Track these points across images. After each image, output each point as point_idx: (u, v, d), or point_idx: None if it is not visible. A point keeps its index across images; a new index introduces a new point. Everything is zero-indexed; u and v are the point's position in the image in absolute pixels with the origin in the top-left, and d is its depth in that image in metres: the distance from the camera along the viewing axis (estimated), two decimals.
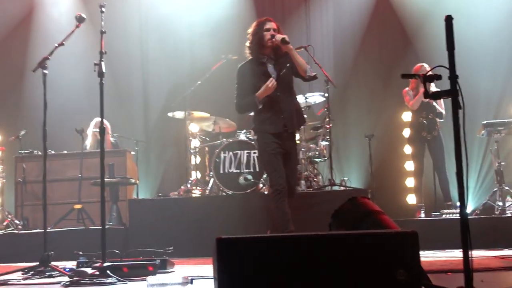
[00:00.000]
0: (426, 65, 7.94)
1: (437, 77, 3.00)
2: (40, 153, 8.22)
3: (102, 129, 5.03)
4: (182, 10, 10.35)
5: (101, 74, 5.08)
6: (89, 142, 8.71)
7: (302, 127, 6.86)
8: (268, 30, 5.60)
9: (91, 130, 8.68)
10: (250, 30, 5.70)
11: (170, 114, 8.59)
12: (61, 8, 10.37)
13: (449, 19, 2.93)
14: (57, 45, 5.41)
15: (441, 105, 8.09)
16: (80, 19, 5.43)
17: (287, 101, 5.61)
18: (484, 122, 7.96)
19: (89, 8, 9.23)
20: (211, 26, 10.09)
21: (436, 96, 3.00)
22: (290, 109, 5.62)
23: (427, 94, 3.02)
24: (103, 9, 5.32)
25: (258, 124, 5.68)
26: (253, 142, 7.65)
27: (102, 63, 5.08)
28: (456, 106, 2.87)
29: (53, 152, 8.20)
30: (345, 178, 8.55)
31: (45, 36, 9.95)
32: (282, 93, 5.56)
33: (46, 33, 10.06)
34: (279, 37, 5.51)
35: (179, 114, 8.46)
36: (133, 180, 8.17)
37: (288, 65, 5.59)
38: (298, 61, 5.54)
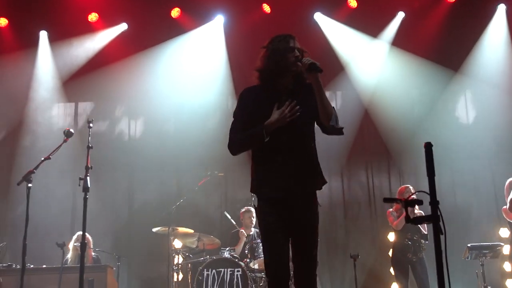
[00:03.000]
0: (411, 187, 8.01)
1: (418, 202, 3.02)
2: (19, 266, 8.02)
3: (83, 244, 4.97)
4: (170, 123, 10.49)
5: (85, 189, 5.10)
6: (70, 257, 8.53)
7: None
8: (291, 50, 3.98)
9: (73, 244, 8.53)
10: (266, 47, 4.07)
11: (154, 230, 8.51)
12: (52, 122, 10.51)
13: (429, 146, 2.99)
14: (43, 158, 5.46)
15: (424, 227, 8.07)
16: (68, 134, 5.52)
17: (299, 152, 3.94)
18: (469, 245, 7.92)
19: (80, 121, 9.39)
20: (199, 141, 10.21)
21: (417, 221, 3.01)
22: (302, 163, 3.93)
23: (408, 219, 3.03)
24: (91, 125, 5.42)
25: (254, 184, 4.01)
26: (237, 260, 7.53)
27: (88, 178, 5.11)
28: (437, 232, 2.88)
29: (32, 266, 8.00)
30: None
31: (32, 148, 10.01)
32: (293, 140, 3.94)
33: (33, 145, 10.12)
34: (307, 60, 3.89)
35: (163, 230, 8.39)
36: None
37: (308, 102, 3.97)
38: (324, 101, 3.90)
